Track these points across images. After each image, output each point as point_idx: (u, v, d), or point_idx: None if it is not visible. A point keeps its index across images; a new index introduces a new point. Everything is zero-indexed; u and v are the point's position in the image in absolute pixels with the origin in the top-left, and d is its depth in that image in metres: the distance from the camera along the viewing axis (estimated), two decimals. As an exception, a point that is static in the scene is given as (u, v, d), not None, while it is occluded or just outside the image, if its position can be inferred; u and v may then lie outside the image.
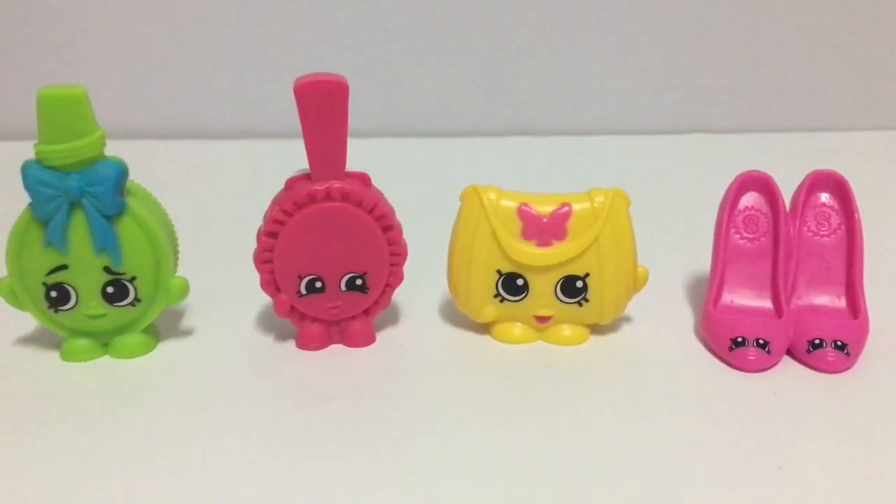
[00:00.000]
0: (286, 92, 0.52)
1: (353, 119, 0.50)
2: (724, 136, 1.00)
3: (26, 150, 0.49)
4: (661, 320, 0.58)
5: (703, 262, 0.59)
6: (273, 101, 0.97)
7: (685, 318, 0.58)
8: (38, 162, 0.48)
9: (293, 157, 0.53)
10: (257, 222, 0.53)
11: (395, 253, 0.54)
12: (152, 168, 0.55)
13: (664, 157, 0.95)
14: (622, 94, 1.01)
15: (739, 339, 0.52)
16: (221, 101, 0.99)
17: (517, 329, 0.56)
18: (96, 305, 0.52)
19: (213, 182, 0.87)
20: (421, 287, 0.59)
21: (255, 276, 0.53)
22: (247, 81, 0.99)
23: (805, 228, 0.57)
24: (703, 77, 1.00)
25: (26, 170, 0.48)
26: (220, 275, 0.62)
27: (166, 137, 0.97)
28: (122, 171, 0.50)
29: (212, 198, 0.82)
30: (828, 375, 0.51)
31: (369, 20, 0.96)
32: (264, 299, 0.55)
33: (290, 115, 0.51)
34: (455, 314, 0.57)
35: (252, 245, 0.53)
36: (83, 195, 0.49)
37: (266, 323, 0.57)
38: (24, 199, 0.50)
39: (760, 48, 0.99)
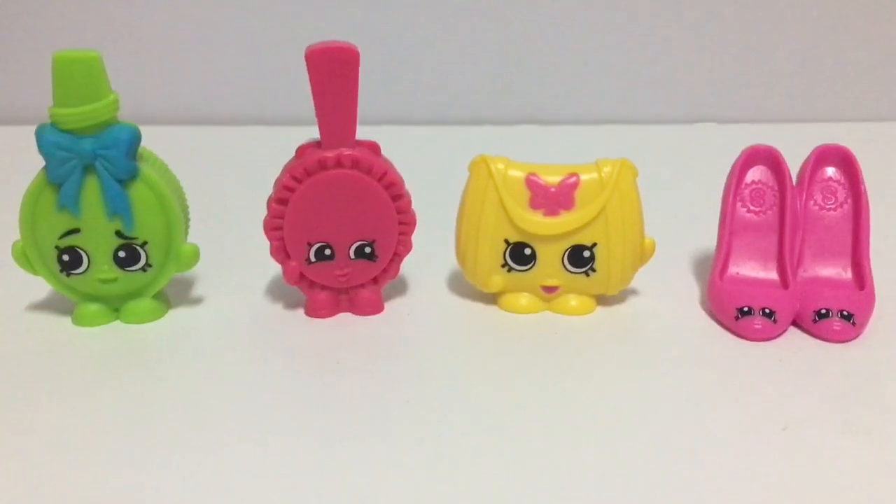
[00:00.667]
0: (296, 79, 0.52)
1: (362, 108, 0.51)
2: (731, 126, 1.00)
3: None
4: (668, 292, 0.58)
5: (709, 239, 0.59)
6: (285, 88, 0.97)
7: (692, 291, 0.58)
8: (53, 125, 0.49)
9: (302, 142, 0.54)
10: (267, 195, 0.53)
11: (404, 222, 0.54)
12: (164, 150, 0.55)
13: (672, 146, 0.95)
14: (630, 84, 1.01)
15: (745, 309, 0.53)
16: (233, 90, 1.00)
17: (524, 299, 0.56)
18: (108, 270, 0.52)
19: (223, 162, 0.87)
20: (429, 258, 0.59)
21: (265, 244, 0.54)
22: (252, 73, 1.00)
23: (811, 202, 0.57)
24: (711, 67, 1.00)
25: (40, 132, 0.49)
26: (230, 243, 0.62)
27: (176, 124, 0.98)
28: (135, 136, 0.50)
29: (223, 175, 0.83)
30: (833, 344, 0.52)
31: (379, 8, 0.97)
32: (274, 267, 0.55)
33: (300, 101, 0.52)
34: (462, 285, 0.58)
35: (262, 215, 0.53)
36: (96, 158, 0.49)
37: (275, 290, 0.58)
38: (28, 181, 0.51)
39: (767, 39, 1.00)
